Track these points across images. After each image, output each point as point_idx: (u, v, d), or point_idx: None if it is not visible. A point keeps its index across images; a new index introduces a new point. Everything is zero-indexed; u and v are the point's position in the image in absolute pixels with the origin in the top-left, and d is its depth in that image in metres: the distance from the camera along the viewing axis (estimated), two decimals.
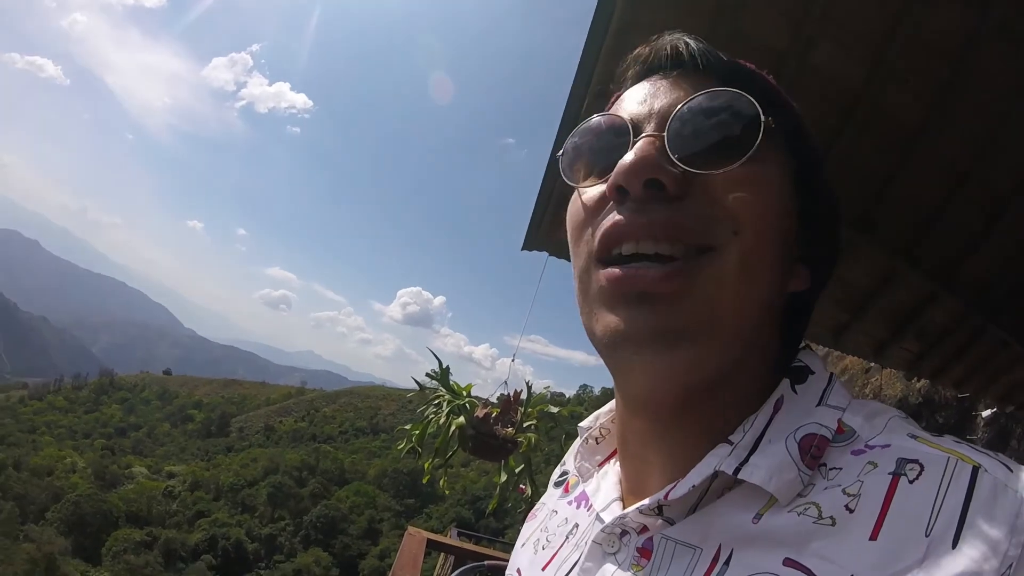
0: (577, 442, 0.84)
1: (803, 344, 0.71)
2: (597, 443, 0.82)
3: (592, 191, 0.65)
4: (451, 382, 3.04)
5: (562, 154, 0.71)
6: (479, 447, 2.82)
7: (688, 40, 0.67)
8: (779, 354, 0.68)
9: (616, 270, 0.61)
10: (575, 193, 0.68)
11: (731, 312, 0.59)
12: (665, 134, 0.62)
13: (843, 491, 0.53)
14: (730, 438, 0.60)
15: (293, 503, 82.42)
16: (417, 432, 3.00)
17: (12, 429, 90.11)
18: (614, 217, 0.62)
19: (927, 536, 0.48)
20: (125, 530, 66.00)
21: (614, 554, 0.65)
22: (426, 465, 3.01)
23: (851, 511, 0.52)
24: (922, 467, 0.52)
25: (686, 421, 0.63)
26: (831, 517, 0.52)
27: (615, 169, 0.61)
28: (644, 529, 0.64)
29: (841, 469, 0.56)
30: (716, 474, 0.59)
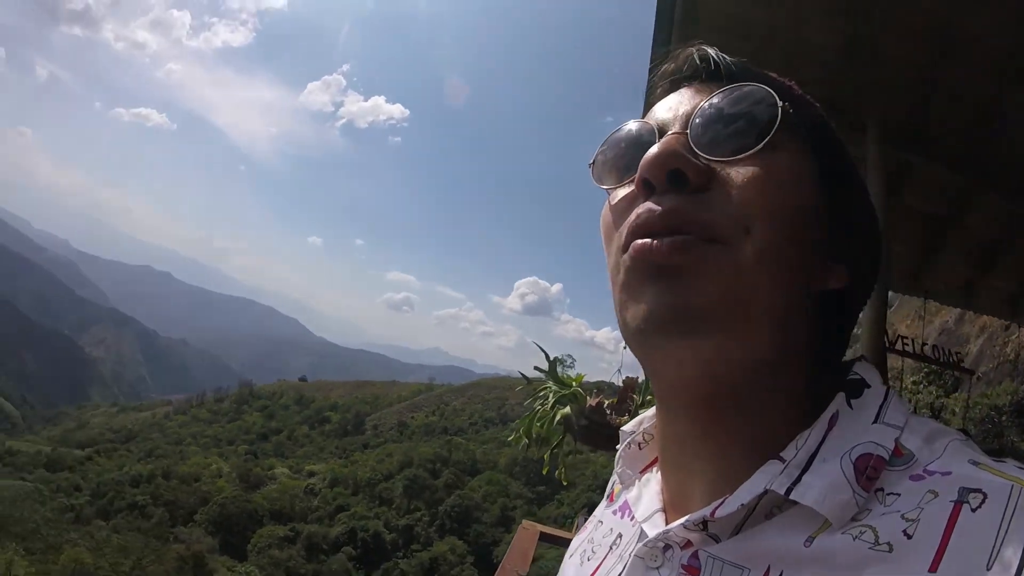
0: (620, 450, 0.81)
1: (859, 355, 0.67)
2: (640, 448, 0.79)
3: (621, 192, 0.66)
4: (560, 373, 2.86)
5: (593, 163, 0.71)
6: (590, 437, 2.66)
7: (709, 50, 0.68)
8: (825, 360, 0.65)
9: (639, 240, 0.60)
10: (606, 200, 0.68)
11: (753, 301, 0.57)
12: (688, 131, 0.62)
13: (902, 517, 0.50)
14: (782, 454, 0.57)
15: (428, 494, 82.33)
16: (524, 426, 2.90)
17: (160, 443, 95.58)
18: (638, 210, 0.61)
19: (988, 569, 0.45)
20: (269, 527, 67.45)
21: (657, 568, 0.62)
22: (545, 456, 2.87)
23: (909, 537, 0.48)
24: (985, 496, 0.49)
25: (727, 426, 0.61)
26: (888, 543, 0.49)
27: (640, 163, 0.61)
28: (688, 544, 0.61)
29: (900, 495, 0.52)
30: (766, 492, 0.56)
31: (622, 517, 0.77)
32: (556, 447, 2.81)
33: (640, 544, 0.65)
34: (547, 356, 2.96)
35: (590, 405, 2.72)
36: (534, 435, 2.83)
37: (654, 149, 0.61)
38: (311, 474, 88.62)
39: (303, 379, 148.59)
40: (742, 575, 0.56)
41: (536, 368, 2.96)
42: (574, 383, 2.90)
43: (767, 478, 0.56)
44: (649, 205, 0.60)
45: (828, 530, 0.52)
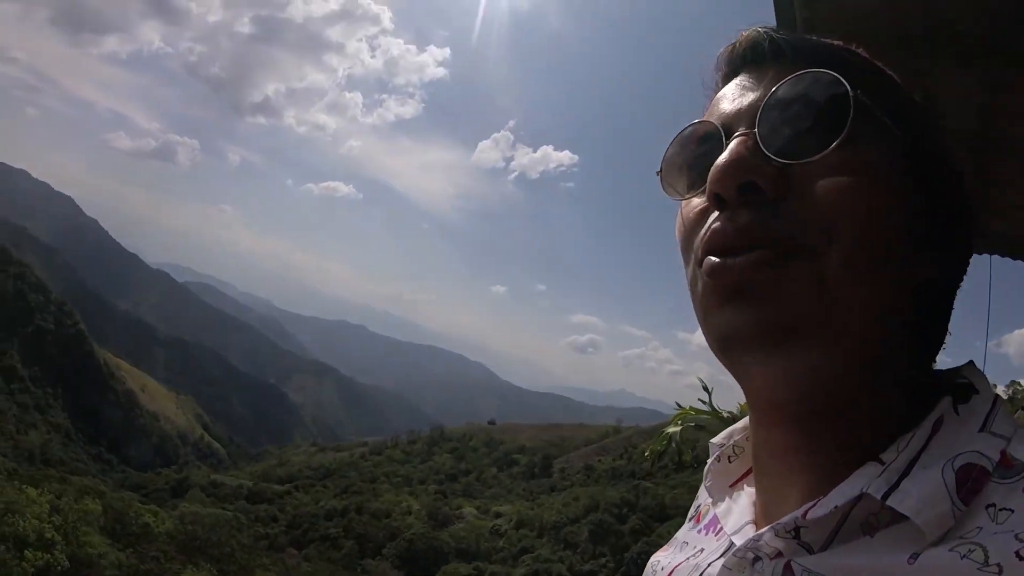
0: (709, 463, 0.77)
1: (969, 360, 0.61)
2: (730, 462, 0.75)
3: (693, 203, 0.62)
4: (715, 406, 3.12)
5: (660, 171, 0.67)
6: None
7: (766, 30, 0.62)
8: (925, 357, 0.61)
9: (713, 258, 0.57)
10: (679, 209, 0.64)
11: (842, 312, 0.54)
12: (756, 130, 0.57)
13: (1016, 536, 0.45)
14: (882, 457, 0.54)
15: (614, 540, 79.05)
16: (660, 447, 3.23)
17: (355, 480, 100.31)
18: (713, 226, 0.58)
19: None
20: (454, 564, 67.90)
21: None
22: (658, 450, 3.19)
23: (1022, 559, 0.44)
24: None
25: (826, 433, 0.57)
26: (999, 564, 0.44)
27: (709, 176, 0.57)
28: (778, 555, 0.57)
29: (1013, 512, 0.47)
30: (861, 496, 0.52)
31: (707, 534, 0.73)
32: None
33: (729, 554, 0.61)
34: (705, 387, 3.06)
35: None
36: (658, 451, 3.12)
37: (723, 159, 0.57)
38: (498, 515, 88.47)
39: (492, 422, 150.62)
40: None
41: (700, 400, 3.06)
42: (726, 413, 3.00)
43: (864, 480, 0.52)
44: (722, 221, 0.57)
45: (932, 546, 0.48)
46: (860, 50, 0.62)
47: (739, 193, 0.56)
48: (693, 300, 0.63)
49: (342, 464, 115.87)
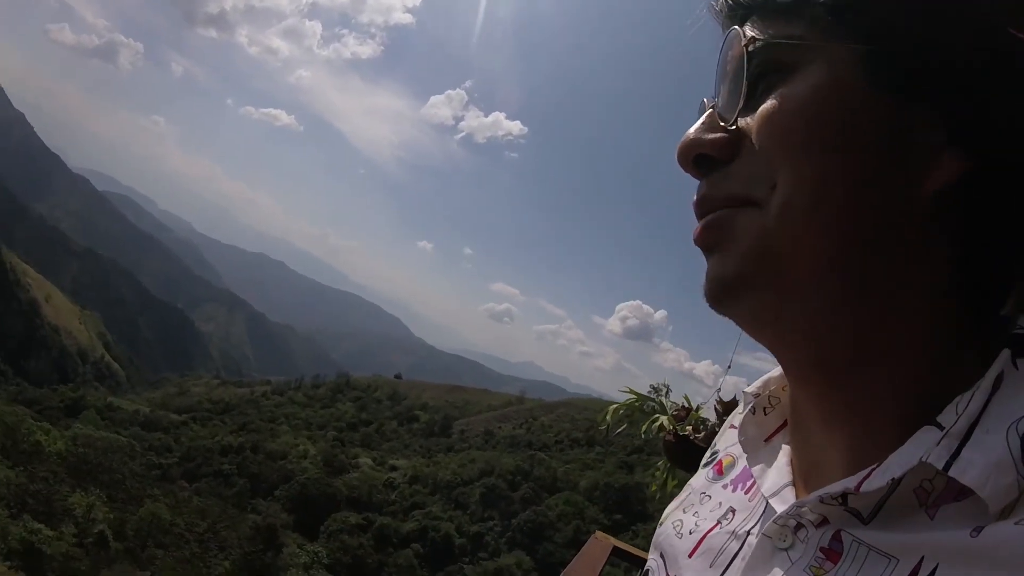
0: (739, 412, 0.73)
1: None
2: (765, 414, 0.69)
3: None
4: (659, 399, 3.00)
5: None
6: (670, 450, 2.72)
7: None
8: (975, 294, 0.50)
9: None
10: None
11: (793, 261, 0.50)
12: (717, 98, 0.58)
13: None
14: (939, 419, 0.46)
15: (504, 505, 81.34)
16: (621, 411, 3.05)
17: (254, 418, 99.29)
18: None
19: None
20: (344, 513, 68.40)
21: (786, 550, 0.53)
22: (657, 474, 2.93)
23: None
24: None
25: (864, 388, 0.52)
26: None
27: None
28: (823, 522, 0.52)
29: None
30: (920, 465, 0.45)
31: (735, 490, 0.68)
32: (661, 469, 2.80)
33: (770, 521, 0.56)
34: (664, 386, 2.96)
35: (675, 413, 2.68)
36: (618, 419, 2.87)
37: (681, 140, 0.58)
38: (393, 468, 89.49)
39: (398, 376, 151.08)
40: (888, 565, 0.46)
41: (630, 390, 2.97)
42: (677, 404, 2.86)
43: (922, 448, 0.46)
44: (696, 194, 0.58)
45: (996, 519, 0.42)
46: None
47: (696, 167, 0.57)
48: None
49: (243, 401, 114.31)
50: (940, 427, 0.46)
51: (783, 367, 0.61)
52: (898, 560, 0.46)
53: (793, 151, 0.50)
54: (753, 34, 0.54)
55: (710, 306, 0.57)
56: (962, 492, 0.44)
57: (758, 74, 0.53)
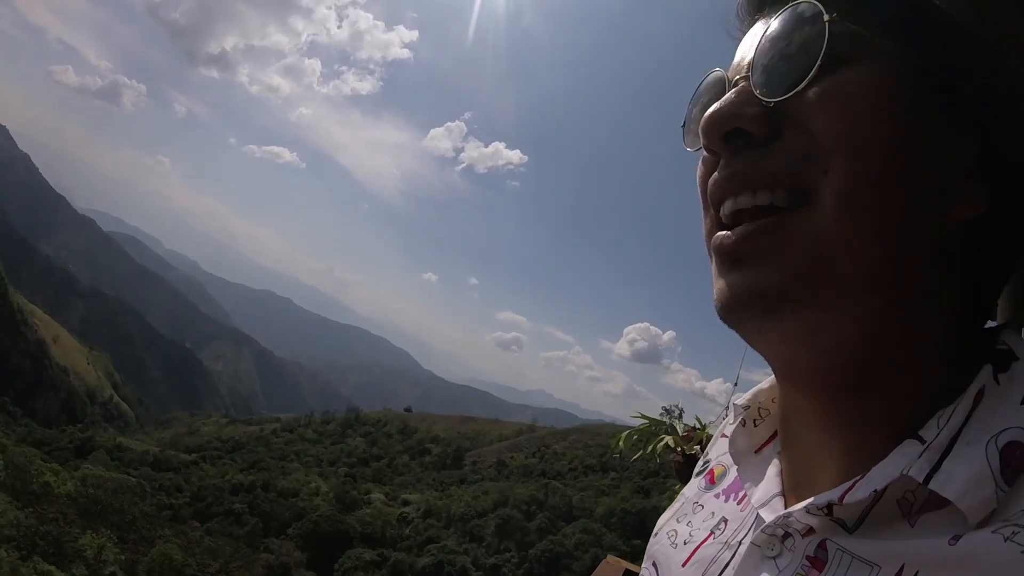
0: (728, 423, 0.75)
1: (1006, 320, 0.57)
2: (755, 425, 0.71)
3: (704, 154, 0.60)
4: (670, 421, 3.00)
5: (683, 124, 0.66)
6: (680, 471, 2.79)
7: None
8: (978, 312, 0.55)
9: (718, 235, 0.56)
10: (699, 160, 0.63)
11: (844, 265, 0.50)
12: (751, 74, 0.56)
13: None
14: (921, 433, 0.49)
15: (520, 536, 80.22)
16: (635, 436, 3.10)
17: (264, 456, 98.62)
18: (712, 178, 0.57)
19: None
20: (358, 549, 67.62)
21: (774, 558, 0.56)
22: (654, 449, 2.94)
23: None
24: None
25: (858, 403, 0.54)
26: None
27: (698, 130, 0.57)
28: (809, 531, 0.54)
29: None
30: (901, 478, 0.48)
31: (727, 500, 0.71)
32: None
33: (758, 531, 0.58)
34: (678, 409, 2.98)
35: (684, 435, 2.70)
36: (632, 444, 2.91)
37: (708, 111, 0.56)
38: (406, 503, 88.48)
39: (408, 410, 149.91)
40: (871, 573, 0.49)
41: (642, 415, 3.02)
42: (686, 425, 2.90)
43: (904, 461, 0.49)
44: (719, 172, 0.57)
45: (974, 528, 0.45)
46: None
47: (726, 142, 0.56)
48: (708, 252, 0.61)
49: (252, 438, 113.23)
50: (922, 441, 0.49)
51: (785, 378, 0.61)
52: (880, 567, 0.48)
53: (853, 142, 0.50)
54: (827, 16, 0.51)
55: (732, 322, 0.56)
56: (943, 502, 0.46)
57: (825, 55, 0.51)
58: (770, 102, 0.53)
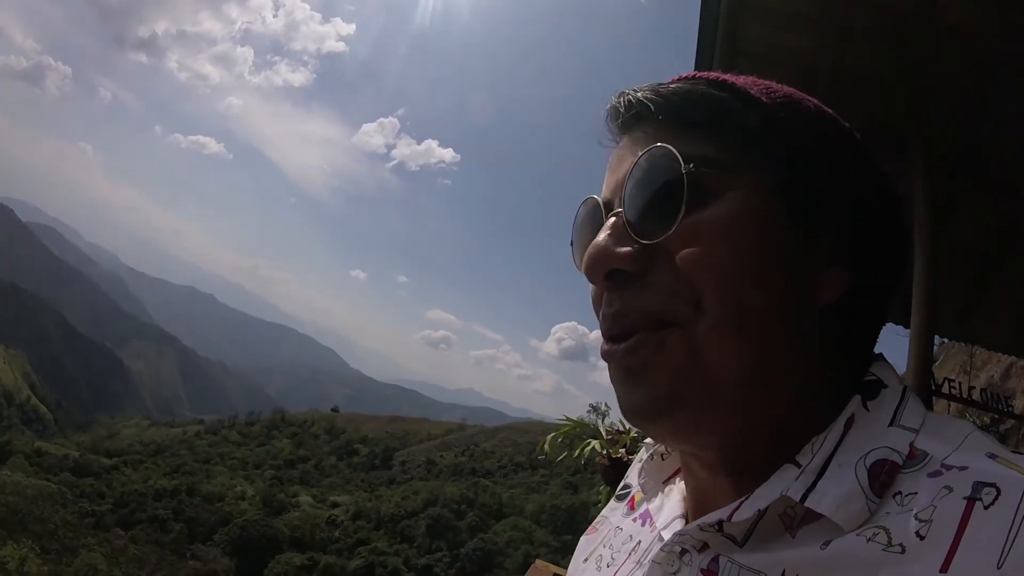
0: (642, 456, 0.81)
1: (878, 353, 0.64)
2: (663, 459, 0.78)
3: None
4: (593, 421, 3.43)
5: (571, 244, 0.71)
6: (607, 474, 3.03)
7: (638, 91, 0.63)
8: (843, 367, 0.62)
9: (604, 346, 0.62)
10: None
11: (720, 374, 0.56)
12: (623, 209, 0.60)
13: (915, 516, 0.49)
14: (797, 459, 0.57)
15: (451, 535, 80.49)
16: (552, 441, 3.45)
17: (187, 459, 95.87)
18: (602, 311, 0.62)
19: (999, 568, 0.43)
20: (288, 554, 66.61)
21: (674, 574, 0.62)
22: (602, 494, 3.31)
23: (922, 538, 0.47)
24: (999, 491, 0.47)
25: (747, 448, 0.60)
26: (900, 544, 0.48)
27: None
28: (704, 547, 0.60)
29: (916, 494, 0.51)
30: (781, 497, 0.55)
31: (643, 524, 0.76)
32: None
33: (658, 549, 0.64)
34: (603, 406, 3.59)
35: (610, 438, 3.00)
36: (557, 446, 3.21)
37: (589, 249, 0.60)
38: (335, 505, 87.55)
39: (335, 410, 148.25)
40: None
41: (567, 418, 3.30)
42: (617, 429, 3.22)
43: (783, 483, 0.55)
44: (604, 307, 0.61)
45: (843, 532, 0.52)
46: (739, 79, 0.64)
47: (607, 280, 0.60)
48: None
49: (175, 441, 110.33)
50: (798, 465, 0.56)
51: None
52: (765, 574, 0.54)
53: (720, 275, 0.56)
54: (687, 153, 0.57)
55: (637, 426, 0.63)
56: (821, 515, 0.53)
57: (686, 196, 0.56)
58: (649, 242, 0.58)
